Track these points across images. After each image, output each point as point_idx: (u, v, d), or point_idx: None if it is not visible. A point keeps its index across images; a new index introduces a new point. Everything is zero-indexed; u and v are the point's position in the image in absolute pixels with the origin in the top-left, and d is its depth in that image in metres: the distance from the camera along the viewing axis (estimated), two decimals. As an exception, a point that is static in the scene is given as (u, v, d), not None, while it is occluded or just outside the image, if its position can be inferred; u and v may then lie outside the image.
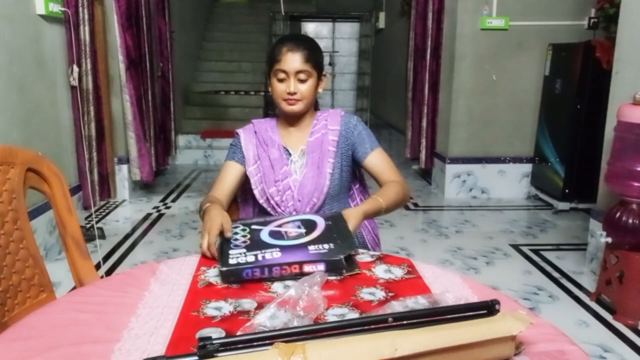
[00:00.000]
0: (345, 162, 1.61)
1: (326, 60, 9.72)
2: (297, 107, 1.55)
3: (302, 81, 1.52)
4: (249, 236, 1.28)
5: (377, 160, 1.60)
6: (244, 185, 1.66)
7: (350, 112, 9.21)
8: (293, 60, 1.50)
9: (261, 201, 1.61)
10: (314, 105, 1.66)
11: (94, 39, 3.56)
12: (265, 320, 0.92)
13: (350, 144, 1.60)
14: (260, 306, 1.03)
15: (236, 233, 1.30)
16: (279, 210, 1.59)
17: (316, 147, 1.60)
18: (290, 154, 1.61)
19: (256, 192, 1.61)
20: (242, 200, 1.74)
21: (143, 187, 4.62)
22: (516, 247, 3.39)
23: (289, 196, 1.57)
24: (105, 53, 3.98)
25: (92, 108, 3.60)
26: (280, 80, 1.53)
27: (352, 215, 1.39)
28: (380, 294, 1.11)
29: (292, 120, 1.62)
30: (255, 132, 1.64)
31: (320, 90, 1.60)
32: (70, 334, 0.94)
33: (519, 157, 4.49)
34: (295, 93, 1.52)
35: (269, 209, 1.61)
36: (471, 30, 4.26)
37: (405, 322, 0.80)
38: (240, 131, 1.66)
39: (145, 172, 4.29)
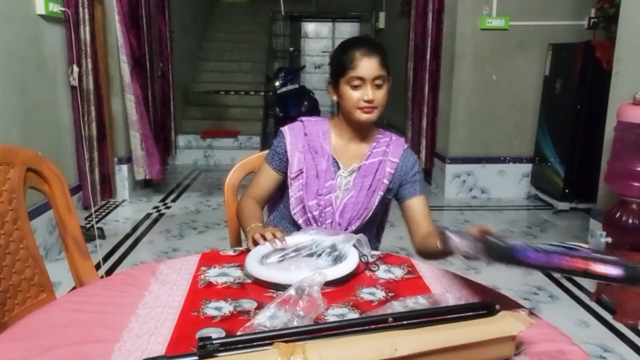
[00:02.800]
0: (391, 196, 1.57)
1: (326, 60, 9.78)
2: (374, 115, 1.46)
3: (378, 87, 1.44)
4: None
5: (421, 206, 1.55)
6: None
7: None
8: (370, 66, 1.42)
9: (294, 211, 1.53)
10: None
11: (94, 39, 3.55)
12: (265, 320, 0.92)
13: (401, 181, 1.54)
14: (260, 306, 1.03)
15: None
16: (314, 225, 1.50)
17: (370, 172, 1.51)
18: (339, 167, 1.52)
19: (292, 200, 1.52)
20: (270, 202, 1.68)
21: (143, 187, 4.62)
22: (516, 247, 3.38)
23: (329, 213, 1.50)
24: (105, 53, 3.98)
25: (92, 108, 3.60)
26: (355, 88, 1.43)
27: None
28: (380, 294, 1.11)
29: (355, 130, 1.52)
30: (306, 135, 1.54)
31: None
32: (70, 334, 0.94)
33: (519, 157, 4.49)
34: (373, 100, 1.43)
35: (300, 222, 1.53)
36: (471, 30, 4.26)
37: (405, 322, 0.80)
38: (286, 131, 1.55)
39: (155, 170, 4.28)
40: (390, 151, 1.53)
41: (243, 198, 1.58)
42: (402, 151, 1.55)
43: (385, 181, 1.52)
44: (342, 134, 1.54)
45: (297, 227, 1.54)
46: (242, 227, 1.50)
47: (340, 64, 1.45)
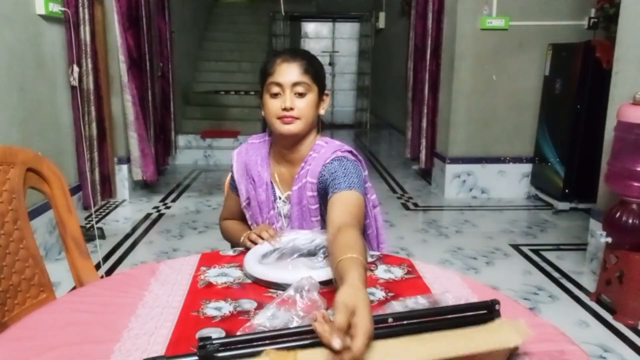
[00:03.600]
0: (322, 209, 1.37)
1: (326, 60, 9.78)
2: (295, 127, 1.30)
3: (300, 95, 1.30)
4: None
5: (343, 199, 1.23)
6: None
7: (351, 112, 9.07)
8: (289, 71, 1.29)
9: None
10: (316, 131, 1.41)
11: (94, 39, 3.56)
12: (265, 320, 0.92)
13: (324, 189, 1.33)
14: (260, 306, 1.03)
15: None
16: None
17: (299, 199, 1.38)
18: (276, 197, 1.43)
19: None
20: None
21: (143, 187, 4.62)
22: (516, 247, 3.39)
23: (277, 228, 1.41)
24: (106, 53, 3.98)
25: (92, 108, 3.60)
26: (274, 96, 1.30)
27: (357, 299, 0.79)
28: (380, 294, 1.11)
29: (286, 147, 1.38)
30: (246, 163, 1.45)
31: (322, 111, 1.38)
32: (70, 334, 0.94)
33: (519, 157, 4.49)
34: (292, 109, 1.28)
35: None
36: (471, 30, 4.26)
37: (405, 322, 0.79)
38: (234, 158, 1.48)
39: (149, 171, 4.29)
40: (310, 170, 1.34)
41: (222, 221, 1.56)
42: (320, 168, 1.33)
43: (312, 206, 1.36)
44: (275, 155, 1.42)
45: None
46: (235, 241, 1.47)
47: (262, 72, 1.35)
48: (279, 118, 1.30)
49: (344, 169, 1.30)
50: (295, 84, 1.29)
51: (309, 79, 1.31)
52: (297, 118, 1.30)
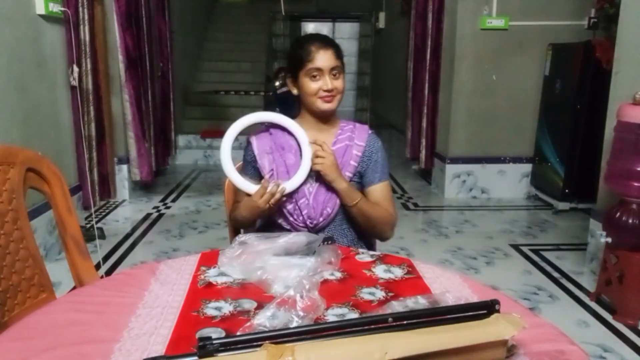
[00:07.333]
0: (359, 179, 1.61)
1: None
2: (334, 104, 1.55)
3: (335, 77, 1.53)
4: None
5: (380, 192, 1.59)
6: None
7: (351, 112, 9.08)
8: (326, 57, 1.51)
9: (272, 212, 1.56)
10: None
11: (94, 39, 3.56)
12: (265, 320, 0.92)
13: (366, 165, 1.60)
14: (260, 306, 1.03)
15: None
16: (291, 219, 1.55)
17: (337, 157, 1.57)
18: None
19: None
20: None
21: (143, 187, 4.62)
22: (516, 247, 3.39)
23: (303, 204, 1.54)
24: (105, 53, 3.97)
25: (92, 108, 3.60)
26: (314, 78, 1.52)
27: (336, 172, 1.50)
28: (380, 294, 1.11)
29: (319, 121, 1.59)
30: (271, 134, 1.60)
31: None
32: (70, 334, 0.94)
33: (519, 157, 4.49)
34: (332, 89, 1.52)
35: (279, 220, 1.58)
36: (471, 30, 4.26)
37: (405, 322, 0.79)
38: (252, 139, 1.63)
39: (145, 171, 4.29)
40: (356, 136, 1.61)
41: (233, 213, 1.60)
42: (367, 135, 1.62)
43: (353, 163, 1.58)
44: (307, 127, 1.58)
45: (280, 228, 1.57)
46: (250, 211, 1.53)
47: (298, 58, 1.54)
48: (320, 97, 1.53)
49: (384, 160, 1.62)
50: (332, 68, 1.52)
51: (340, 62, 1.55)
52: (334, 96, 1.54)
